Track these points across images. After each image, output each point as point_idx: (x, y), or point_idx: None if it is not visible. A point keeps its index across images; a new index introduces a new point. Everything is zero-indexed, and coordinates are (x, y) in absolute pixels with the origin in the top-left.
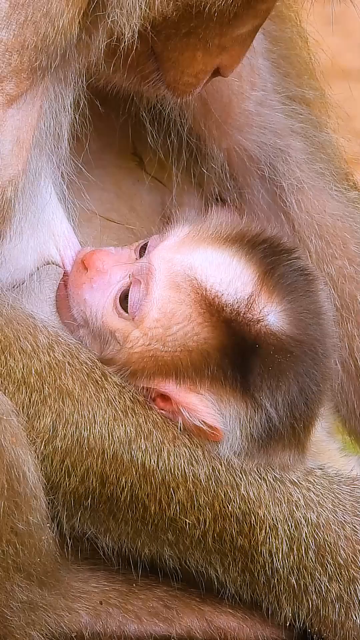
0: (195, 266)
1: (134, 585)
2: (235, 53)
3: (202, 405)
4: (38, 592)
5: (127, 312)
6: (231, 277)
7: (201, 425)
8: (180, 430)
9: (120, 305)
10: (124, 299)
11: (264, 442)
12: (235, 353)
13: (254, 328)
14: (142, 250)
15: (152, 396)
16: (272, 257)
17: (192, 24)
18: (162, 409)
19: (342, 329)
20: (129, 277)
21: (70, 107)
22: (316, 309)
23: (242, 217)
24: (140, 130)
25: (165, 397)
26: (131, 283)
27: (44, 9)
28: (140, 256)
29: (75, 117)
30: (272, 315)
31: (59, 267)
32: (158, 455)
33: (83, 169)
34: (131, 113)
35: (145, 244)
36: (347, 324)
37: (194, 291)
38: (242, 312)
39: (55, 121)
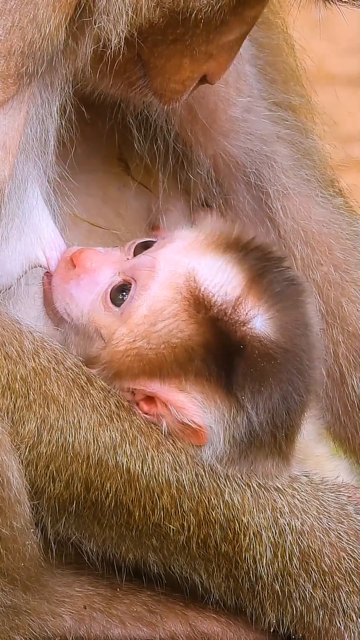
0: (198, 270)
1: (118, 589)
2: (223, 60)
3: (190, 403)
4: (22, 597)
5: (117, 308)
6: (224, 280)
7: (189, 423)
8: (164, 434)
9: (111, 301)
10: (113, 295)
11: (245, 447)
12: (220, 351)
13: (239, 330)
14: (137, 249)
15: (137, 400)
16: (263, 264)
17: (179, 31)
18: (146, 413)
19: (327, 335)
20: (119, 274)
21: (57, 112)
22: (304, 320)
23: (232, 222)
24: (127, 136)
25: (149, 400)
26: (123, 280)
27: (31, 15)
28: (135, 255)
29: (61, 123)
30: (258, 320)
31: (45, 269)
32: (143, 461)
33: (69, 175)
34: (117, 119)
35: (141, 243)
36: (332, 330)
37: (189, 291)
38: (229, 312)
39: (41, 127)
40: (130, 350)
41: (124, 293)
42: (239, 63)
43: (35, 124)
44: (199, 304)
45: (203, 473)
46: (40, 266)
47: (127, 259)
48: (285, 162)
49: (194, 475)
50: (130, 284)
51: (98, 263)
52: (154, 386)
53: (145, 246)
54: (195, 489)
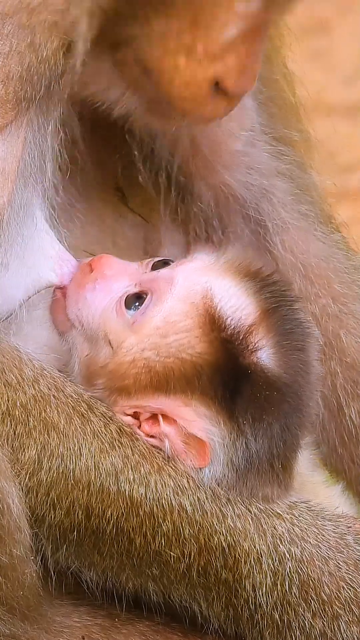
0: (215, 290)
1: (117, 620)
2: (232, 63)
3: (197, 417)
4: (20, 626)
5: (130, 316)
6: (239, 305)
7: (196, 434)
8: (167, 456)
9: (125, 308)
10: (127, 303)
11: (242, 473)
12: (227, 373)
13: (248, 356)
14: (155, 265)
15: (140, 420)
16: (278, 300)
17: (152, 16)
18: (150, 435)
19: (325, 366)
20: (135, 285)
21: (55, 139)
22: (307, 362)
23: (254, 256)
24: (125, 166)
25: (153, 420)
26: (139, 291)
27: (28, 39)
28: (153, 270)
29: (60, 151)
30: (265, 351)
31: (57, 287)
32: (146, 486)
33: (66, 203)
34: (117, 147)
35: (160, 261)
36: (330, 361)
37: (205, 309)
38: (241, 338)
39: (40, 153)
40: (137, 360)
41: (137, 303)
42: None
43: (33, 150)
44: (214, 324)
45: (205, 497)
46: (51, 286)
47: (145, 272)
48: (285, 196)
49: (195, 500)
50: (146, 295)
51: (116, 271)
52: (160, 401)
53: (164, 263)
54: (198, 514)
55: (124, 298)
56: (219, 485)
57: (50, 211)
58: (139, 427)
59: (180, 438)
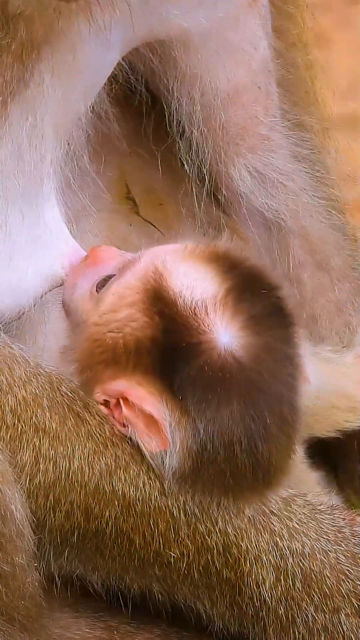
0: (171, 267)
1: (115, 632)
2: None
3: (148, 395)
4: (20, 637)
5: (97, 296)
6: (194, 284)
7: (150, 412)
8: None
9: (95, 289)
10: (100, 284)
11: (198, 460)
12: (166, 349)
13: (187, 334)
14: None
15: (111, 410)
16: (247, 283)
17: None
18: (121, 423)
19: None
20: (118, 268)
21: (62, 143)
22: (277, 348)
23: (232, 240)
24: (133, 172)
25: (117, 407)
26: (114, 272)
27: None
28: None
29: (63, 151)
30: (220, 332)
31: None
32: (136, 487)
33: (74, 214)
34: (126, 151)
35: None
36: None
37: (152, 284)
38: (182, 314)
39: (35, 151)
40: (92, 334)
41: (109, 281)
42: (268, 83)
43: (17, 151)
44: (157, 298)
45: (189, 499)
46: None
47: None
48: (303, 183)
49: (181, 503)
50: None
51: (109, 259)
52: (117, 383)
53: None
54: (187, 515)
55: (100, 279)
56: (182, 477)
57: (66, 213)
58: (113, 417)
59: (140, 421)
